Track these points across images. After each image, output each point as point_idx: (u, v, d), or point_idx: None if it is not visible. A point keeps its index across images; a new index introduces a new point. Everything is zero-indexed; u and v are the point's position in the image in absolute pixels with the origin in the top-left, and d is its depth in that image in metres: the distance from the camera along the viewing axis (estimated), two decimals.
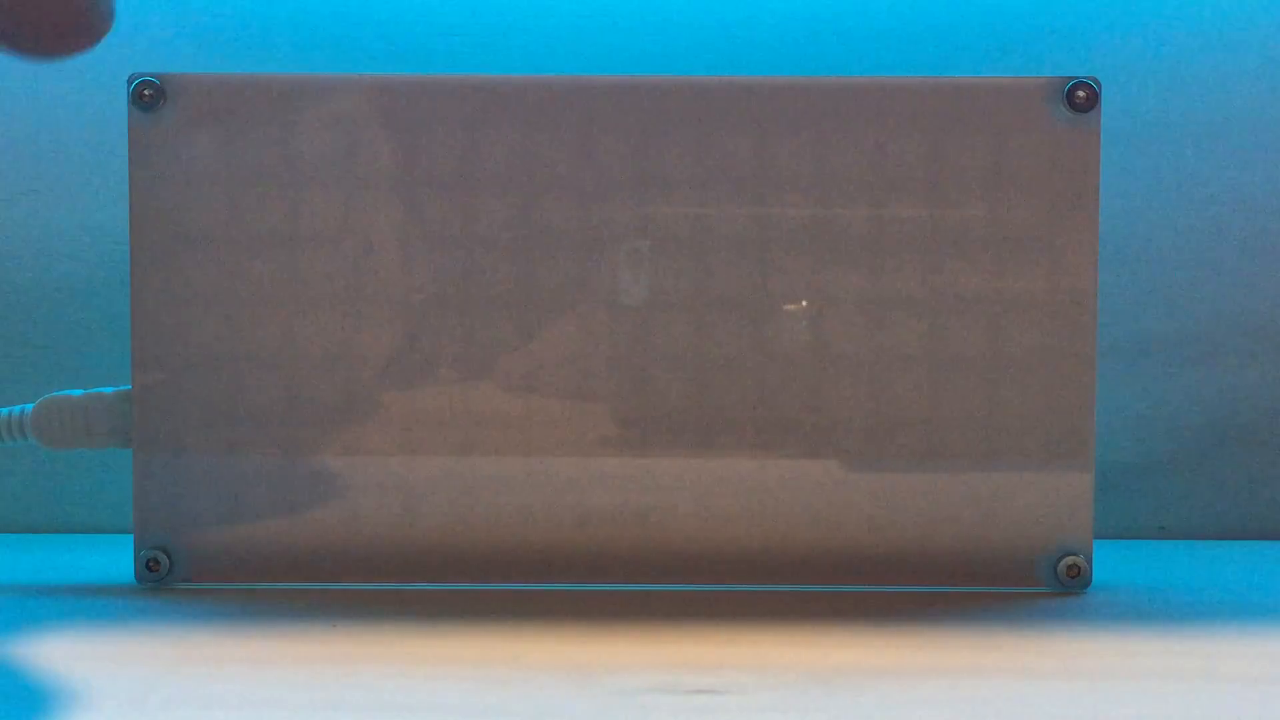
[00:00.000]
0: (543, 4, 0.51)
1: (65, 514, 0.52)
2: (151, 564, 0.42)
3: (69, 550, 0.48)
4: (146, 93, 0.41)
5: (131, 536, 0.42)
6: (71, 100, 0.51)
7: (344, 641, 0.36)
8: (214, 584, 0.42)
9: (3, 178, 0.51)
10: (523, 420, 0.42)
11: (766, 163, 0.41)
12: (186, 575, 0.42)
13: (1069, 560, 0.42)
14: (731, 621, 0.39)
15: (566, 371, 0.42)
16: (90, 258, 0.51)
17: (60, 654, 0.35)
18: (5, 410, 0.43)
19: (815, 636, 0.37)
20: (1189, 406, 0.52)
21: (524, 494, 0.42)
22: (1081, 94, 0.41)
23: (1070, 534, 0.42)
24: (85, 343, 0.51)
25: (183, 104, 0.41)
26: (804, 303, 0.41)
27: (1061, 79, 0.41)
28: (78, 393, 0.43)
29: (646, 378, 0.42)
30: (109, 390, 0.42)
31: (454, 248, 0.41)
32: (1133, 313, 0.51)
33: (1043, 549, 0.42)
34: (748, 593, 0.41)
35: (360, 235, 0.41)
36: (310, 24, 0.51)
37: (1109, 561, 0.44)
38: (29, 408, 0.43)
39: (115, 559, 0.45)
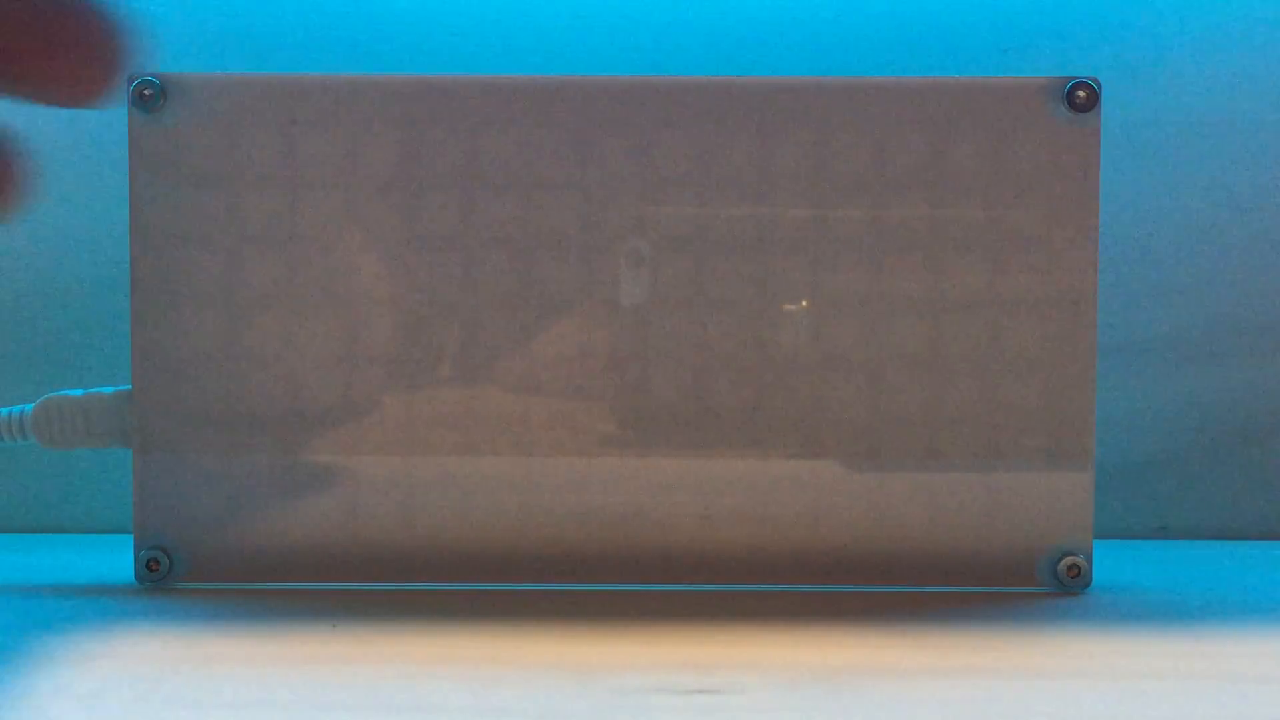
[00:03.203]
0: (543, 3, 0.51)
1: (65, 514, 0.52)
2: (151, 564, 0.42)
3: (69, 550, 0.48)
4: (146, 93, 0.41)
5: (131, 536, 0.42)
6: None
7: (344, 641, 0.36)
8: (214, 584, 0.42)
9: None
10: (523, 420, 0.42)
11: (766, 163, 0.41)
12: (186, 575, 0.42)
13: (1069, 560, 0.42)
14: (731, 621, 0.39)
15: (566, 371, 0.42)
16: (94, 259, 0.51)
17: (60, 654, 0.35)
18: (5, 410, 0.43)
19: (815, 636, 0.37)
20: (1189, 406, 0.52)
21: (524, 494, 0.42)
22: (1081, 94, 0.41)
23: (1070, 534, 0.42)
24: (85, 343, 0.51)
25: (183, 104, 0.41)
26: (804, 303, 0.41)
27: (1061, 79, 0.41)
28: (78, 393, 0.43)
29: (646, 378, 0.42)
30: (109, 390, 0.42)
31: (454, 248, 0.41)
32: (1133, 312, 0.51)
33: (1043, 549, 0.42)
34: (748, 593, 0.41)
35: (360, 235, 0.41)
36: (311, 24, 0.51)
37: (1109, 561, 0.44)
38: (29, 408, 0.43)
39: (115, 559, 0.45)
